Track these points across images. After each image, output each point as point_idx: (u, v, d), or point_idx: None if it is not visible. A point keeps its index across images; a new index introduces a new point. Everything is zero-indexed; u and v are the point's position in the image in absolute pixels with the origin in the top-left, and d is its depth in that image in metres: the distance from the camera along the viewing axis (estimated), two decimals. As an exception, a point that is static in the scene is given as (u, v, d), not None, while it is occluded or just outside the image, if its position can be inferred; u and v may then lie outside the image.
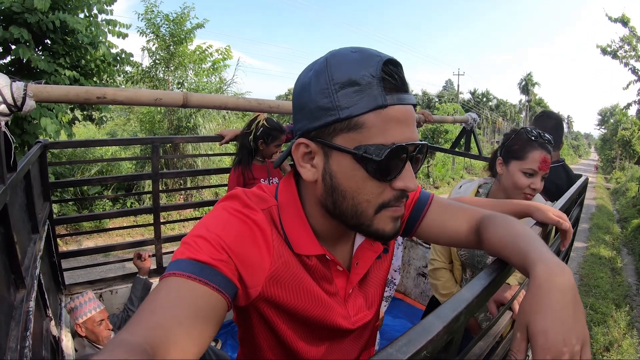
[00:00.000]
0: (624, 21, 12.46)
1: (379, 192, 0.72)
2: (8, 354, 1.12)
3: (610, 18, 12.63)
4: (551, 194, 2.24)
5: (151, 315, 0.58)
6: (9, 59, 6.01)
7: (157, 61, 10.30)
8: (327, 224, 0.82)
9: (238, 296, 0.74)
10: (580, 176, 2.35)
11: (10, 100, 1.25)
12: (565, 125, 2.75)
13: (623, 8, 12.83)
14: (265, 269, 0.76)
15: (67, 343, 2.26)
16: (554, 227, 1.18)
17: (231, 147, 3.24)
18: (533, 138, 1.71)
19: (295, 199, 0.82)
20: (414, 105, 0.73)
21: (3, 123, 1.25)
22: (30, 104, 1.30)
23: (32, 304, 1.43)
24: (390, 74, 0.69)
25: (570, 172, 2.62)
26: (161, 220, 3.15)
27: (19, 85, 1.30)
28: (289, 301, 0.81)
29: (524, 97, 67.41)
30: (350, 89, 0.67)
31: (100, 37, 6.63)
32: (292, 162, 0.78)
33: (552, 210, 1.12)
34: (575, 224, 1.96)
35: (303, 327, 0.86)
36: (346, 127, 0.68)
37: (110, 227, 6.87)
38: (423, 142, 0.74)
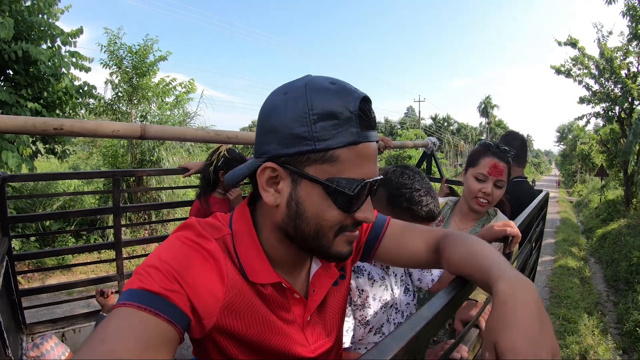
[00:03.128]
0: (573, 43, 13.17)
1: (341, 220, 0.75)
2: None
3: (559, 43, 13.37)
4: (513, 208, 2.30)
5: (100, 345, 0.57)
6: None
7: (120, 94, 10.20)
8: (283, 250, 0.81)
9: (192, 328, 0.72)
10: (541, 191, 2.42)
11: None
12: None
13: (569, 31, 13.65)
14: (219, 299, 0.74)
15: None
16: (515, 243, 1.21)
17: (195, 180, 3.22)
18: (485, 147, 1.86)
19: (250, 226, 0.81)
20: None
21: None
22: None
23: None
24: (365, 112, 0.71)
25: (532, 188, 2.71)
26: (125, 256, 3.03)
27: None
28: (245, 331, 0.79)
29: (484, 120, 70.07)
30: (329, 122, 0.68)
31: (63, 69, 6.56)
32: (245, 196, 0.77)
33: (496, 224, 1.17)
34: (539, 238, 2.01)
35: (262, 358, 0.83)
36: (320, 159, 0.69)
37: (74, 263, 6.63)
38: (380, 177, 0.77)
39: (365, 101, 0.72)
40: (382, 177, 0.78)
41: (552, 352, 0.61)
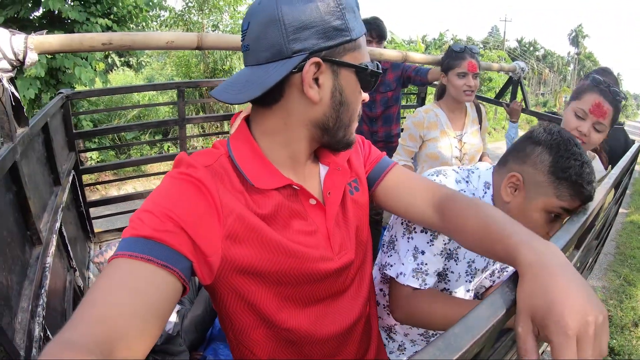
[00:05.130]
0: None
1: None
2: (19, 315, 1.11)
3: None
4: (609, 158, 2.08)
5: (92, 308, 0.54)
6: (41, 11, 5.95)
7: (190, 4, 10.07)
8: (292, 152, 0.80)
9: (199, 271, 0.68)
10: (634, 142, 2.15)
11: (10, 55, 1.15)
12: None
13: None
14: (217, 228, 0.70)
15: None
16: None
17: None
18: (594, 82, 1.63)
19: (248, 137, 0.79)
20: None
21: (5, 79, 1.19)
22: (32, 57, 1.20)
23: (49, 259, 1.42)
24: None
25: (627, 137, 2.42)
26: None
27: (18, 38, 1.20)
28: (255, 259, 0.74)
29: (572, 50, 63.91)
30: (352, 14, 0.74)
31: (132, -18, 6.49)
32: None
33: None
34: (623, 192, 1.77)
35: (284, 291, 0.80)
36: (353, 47, 0.74)
37: (149, 172, 7.03)
38: None
39: None
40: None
41: (602, 312, 0.52)
